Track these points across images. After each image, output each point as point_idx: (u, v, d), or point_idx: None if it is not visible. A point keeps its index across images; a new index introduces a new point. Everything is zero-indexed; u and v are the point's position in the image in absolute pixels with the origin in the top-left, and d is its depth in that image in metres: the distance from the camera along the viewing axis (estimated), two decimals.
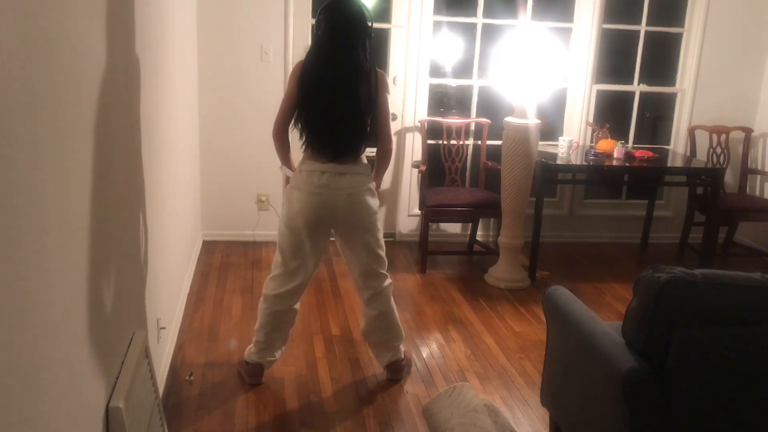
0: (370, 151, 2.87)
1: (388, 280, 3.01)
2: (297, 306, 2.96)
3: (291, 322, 2.99)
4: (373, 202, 2.86)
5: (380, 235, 2.93)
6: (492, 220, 5.02)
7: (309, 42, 2.84)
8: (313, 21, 2.74)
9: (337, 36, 2.70)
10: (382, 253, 2.95)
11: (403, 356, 3.13)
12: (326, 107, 2.73)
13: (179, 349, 3.26)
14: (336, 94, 2.72)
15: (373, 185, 2.87)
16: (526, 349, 3.47)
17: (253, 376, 2.98)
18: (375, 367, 3.19)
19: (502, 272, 4.33)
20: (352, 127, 2.76)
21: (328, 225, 2.86)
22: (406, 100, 4.86)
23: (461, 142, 4.85)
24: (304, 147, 2.81)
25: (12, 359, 1.19)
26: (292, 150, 2.92)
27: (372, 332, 3.07)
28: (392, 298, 3.05)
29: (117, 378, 1.93)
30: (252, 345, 3.00)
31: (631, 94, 5.19)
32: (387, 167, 2.95)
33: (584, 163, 4.50)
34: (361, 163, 2.84)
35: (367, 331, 3.09)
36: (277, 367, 3.11)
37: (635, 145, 5.13)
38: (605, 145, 4.65)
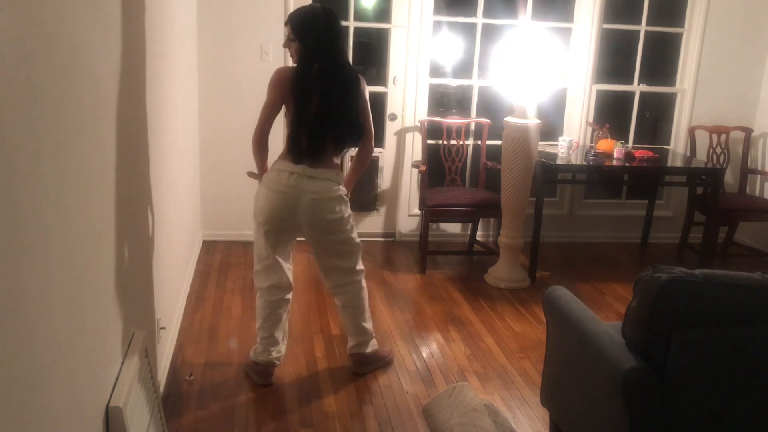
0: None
1: (357, 277, 3.08)
2: (289, 296, 3.03)
3: (286, 311, 3.05)
4: (341, 207, 2.91)
5: (350, 235, 2.99)
6: (492, 220, 5.02)
7: None
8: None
9: (329, 44, 2.81)
10: (350, 249, 3.02)
11: (367, 352, 3.14)
12: (326, 112, 2.81)
13: (179, 349, 3.26)
14: (337, 99, 2.82)
15: (342, 191, 2.93)
16: (526, 349, 3.47)
17: (263, 375, 2.99)
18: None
19: (502, 272, 4.33)
20: (353, 128, 2.90)
21: (291, 224, 2.94)
22: (406, 100, 4.86)
23: (461, 142, 4.85)
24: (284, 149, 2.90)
25: (12, 359, 1.19)
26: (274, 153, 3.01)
27: (342, 319, 3.17)
28: (362, 294, 3.10)
29: (117, 378, 1.93)
30: (258, 345, 3.02)
31: (631, 94, 5.19)
32: (366, 165, 3.08)
33: (584, 163, 4.49)
34: (333, 169, 2.90)
35: (340, 317, 3.19)
36: (276, 367, 3.11)
37: (635, 145, 5.13)
38: (605, 145, 4.65)
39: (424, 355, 3.37)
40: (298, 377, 3.08)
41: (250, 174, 3.08)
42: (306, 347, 3.35)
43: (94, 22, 1.75)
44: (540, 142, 4.31)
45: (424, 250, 4.49)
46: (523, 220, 4.31)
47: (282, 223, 2.91)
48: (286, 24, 2.85)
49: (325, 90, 2.79)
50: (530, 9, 4.87)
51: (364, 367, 3.14)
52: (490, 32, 4.84)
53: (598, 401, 2.22)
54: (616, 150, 4.55)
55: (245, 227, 4.83)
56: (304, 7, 2.93)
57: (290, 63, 4.58)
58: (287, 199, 2.84)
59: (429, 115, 4.93)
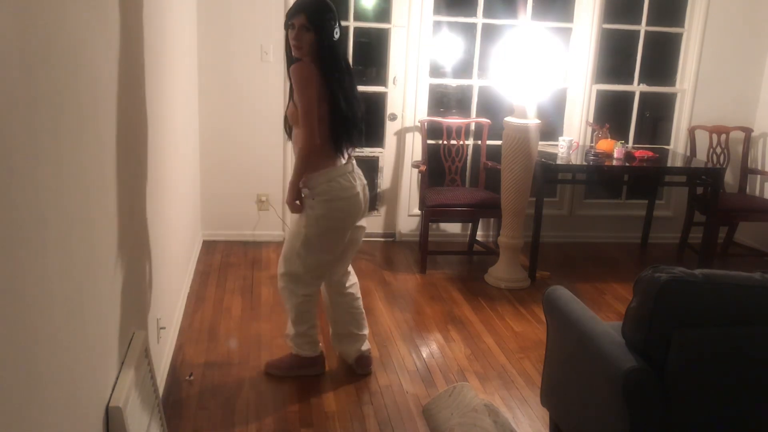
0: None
1: None
2: None
3: None
4: None
5: None
6: (492, 220, 5.02)
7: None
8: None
9: (340, 36, 2.77)
10: None
11: (369, 347, 3.20)
12: (355, 107, 2.83)
13: (179, 349, 3.26)
14: (355, 94, 2.86)
15: None
16: (526, 349, 3.47)
17: (320, 365, 3.08)
18: (375, 367, 3.19)
19: (502, 272, 4.33)
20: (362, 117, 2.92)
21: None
22: (406, 100, 4.86)
23: (461, 142, 4.85)
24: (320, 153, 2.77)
25: (12, 359, 1.19)
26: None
27: (343, 323, 3.13)
28: None
29: (117, 378, 1.93)
30: (303, 342, 3.02)
31: (631, 94, 5.18)
32: None
33: (584, 163, 4.49)
34: None
35: (339, 324, 3.14)
36: None
37: (635, 145, 5.13)
38: (605, 145, 4.65)
39: (424, 355, 3.37)
40: (298, 377, 3.07)
41: (295, 209, 2.88)
42: None
43: (94, 22, 1.75)
44: (540, 142, 4.31)
45: (424, 250, 4.49)
46: (523, 220, 4.31)
47: (357, 221, 2.93)
48: (297, 13, 2.67)
49: (344, 81, 2.77)
50: (530, 9, 4.86)
51: (371, 365, 3.16)
52: (490, 32, 4.84)
53: (598, 401, 2.22)
54: (616, 150, 4.55)
55: (245, 227, 4.84)
56: None
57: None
58: (363, 196, 2.89)
59: (429, 115, 4.93)
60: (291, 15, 2.70)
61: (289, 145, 4.66)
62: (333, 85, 2.71)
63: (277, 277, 3.01)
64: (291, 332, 3.03)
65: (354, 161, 2.91)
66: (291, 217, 4.79)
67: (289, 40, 2.72)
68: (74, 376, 1.55)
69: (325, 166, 2.77)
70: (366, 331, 3.17)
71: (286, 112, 2.88)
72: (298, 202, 2.81)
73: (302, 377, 3.06)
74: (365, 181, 2.94)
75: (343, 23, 4.68)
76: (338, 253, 2.94)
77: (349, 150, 2.86)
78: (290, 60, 2.79)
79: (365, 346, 3.14)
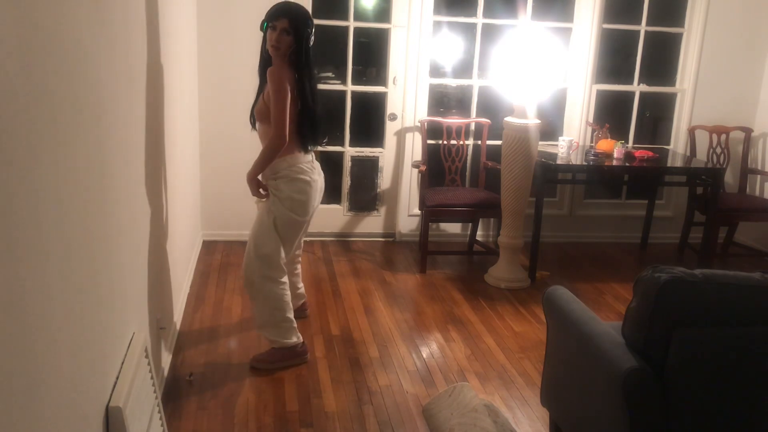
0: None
1: None
2: None
3: None
4: None
5: None
6: (492, 220, 5.02)
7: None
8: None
9: (311, 43, 3.00)
10: None
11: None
12: (319, 107, 3.06)
13: (179, 349, 3.26)
14: (317, 95, 3.08)
15: None
16: (526, 349, 3.48)
17: (304, 353, 3.20)
18: (375, 367, 3.19)
19: (502, 272, 4.33)
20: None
21: None
22: (406, 100, 4.86)
23: (461, 142, 4.85)
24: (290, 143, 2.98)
25: (12, 359, 1.19)
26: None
27: (295, 282, 3.51)
28: None
29: (117, 378, 1.93)
30: (286, 331, 3.12)
31: (631, 94, 5.19)
32: None
33: (584, 163, 4.49)
34: None
35: (297, 303, 3.50)
36: None
37: (635, 145, 5.13)
38: (605, 145, 4.65)
39: (424, 355, 3.37)
40: (298, 377, 3.08)
41: (259, 201, 3.21)
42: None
43: (94, 22, 1.75)
44: (540, 142, 4.31)
45: (424, 250, 4.49)
46: (523, 220, 4.31)
47: (316, 205, 3.14)
48: (279, 17, 2.87)
49: (313, 84, 3.01)
50: (530, 9, 4.86)
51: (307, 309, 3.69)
52: (490, 32, 4.84)
53: (598, 401, 2.22)
54: (616, 150, 4.55)
55: (245, 227, 4.81)
56: (295, 4, 2.99)
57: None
58: (320, 185, 3.12)
59: (429, 115, 4.93)
60: (272, 17, 2.90)
61: None
62: (305, 86, 2.94)
63: (247, 272, 3.08)
64: (267, 324, 3.11)
65: (313, 156, 3.13)
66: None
67: (268, 40, 2.91)
68: (74, 376, 1.55)
69: (292, 152, 2.99)
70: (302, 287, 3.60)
71: (253, 108, 3.13)
72: (261, 190, 3.05)
73: (302, 377, 3.07)
74: (322, 174, 3.17)
75: (343, 23, 4.71)
76: (298, 239, 3.23)
77: (312, 147, 3.07)
78: (264, 59, 3.02)
79: (304, 298, 3.64)
